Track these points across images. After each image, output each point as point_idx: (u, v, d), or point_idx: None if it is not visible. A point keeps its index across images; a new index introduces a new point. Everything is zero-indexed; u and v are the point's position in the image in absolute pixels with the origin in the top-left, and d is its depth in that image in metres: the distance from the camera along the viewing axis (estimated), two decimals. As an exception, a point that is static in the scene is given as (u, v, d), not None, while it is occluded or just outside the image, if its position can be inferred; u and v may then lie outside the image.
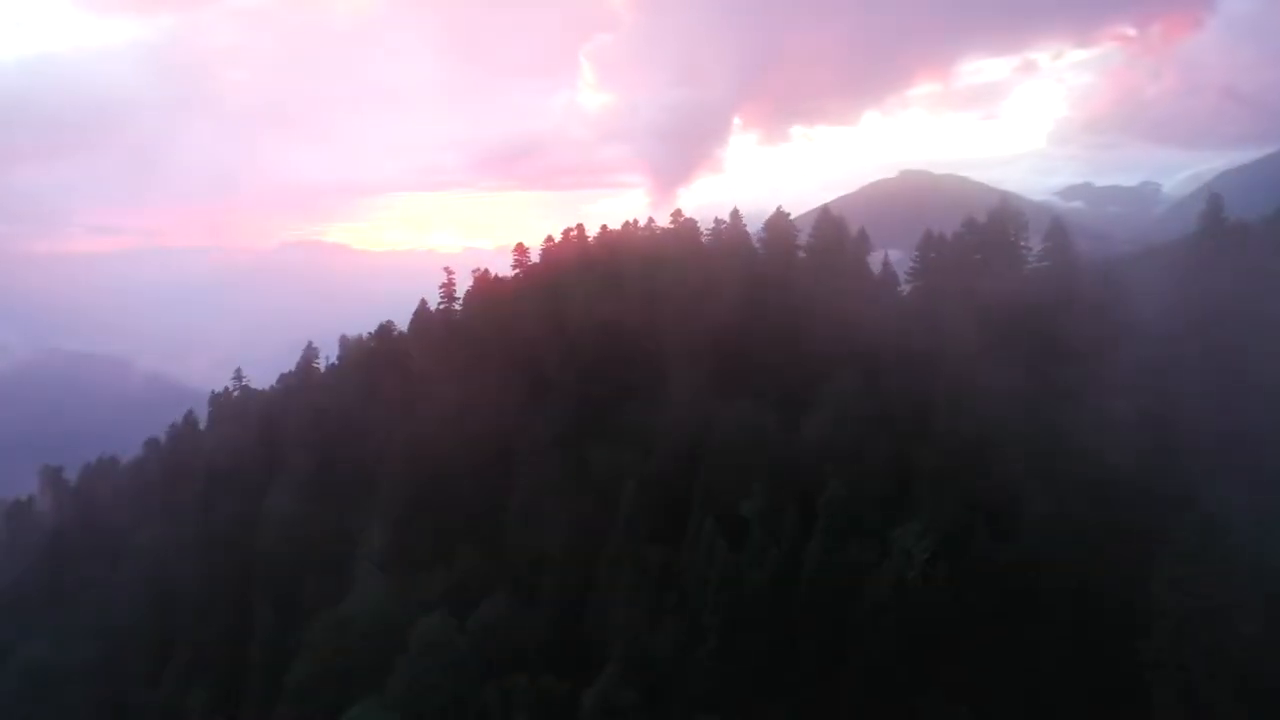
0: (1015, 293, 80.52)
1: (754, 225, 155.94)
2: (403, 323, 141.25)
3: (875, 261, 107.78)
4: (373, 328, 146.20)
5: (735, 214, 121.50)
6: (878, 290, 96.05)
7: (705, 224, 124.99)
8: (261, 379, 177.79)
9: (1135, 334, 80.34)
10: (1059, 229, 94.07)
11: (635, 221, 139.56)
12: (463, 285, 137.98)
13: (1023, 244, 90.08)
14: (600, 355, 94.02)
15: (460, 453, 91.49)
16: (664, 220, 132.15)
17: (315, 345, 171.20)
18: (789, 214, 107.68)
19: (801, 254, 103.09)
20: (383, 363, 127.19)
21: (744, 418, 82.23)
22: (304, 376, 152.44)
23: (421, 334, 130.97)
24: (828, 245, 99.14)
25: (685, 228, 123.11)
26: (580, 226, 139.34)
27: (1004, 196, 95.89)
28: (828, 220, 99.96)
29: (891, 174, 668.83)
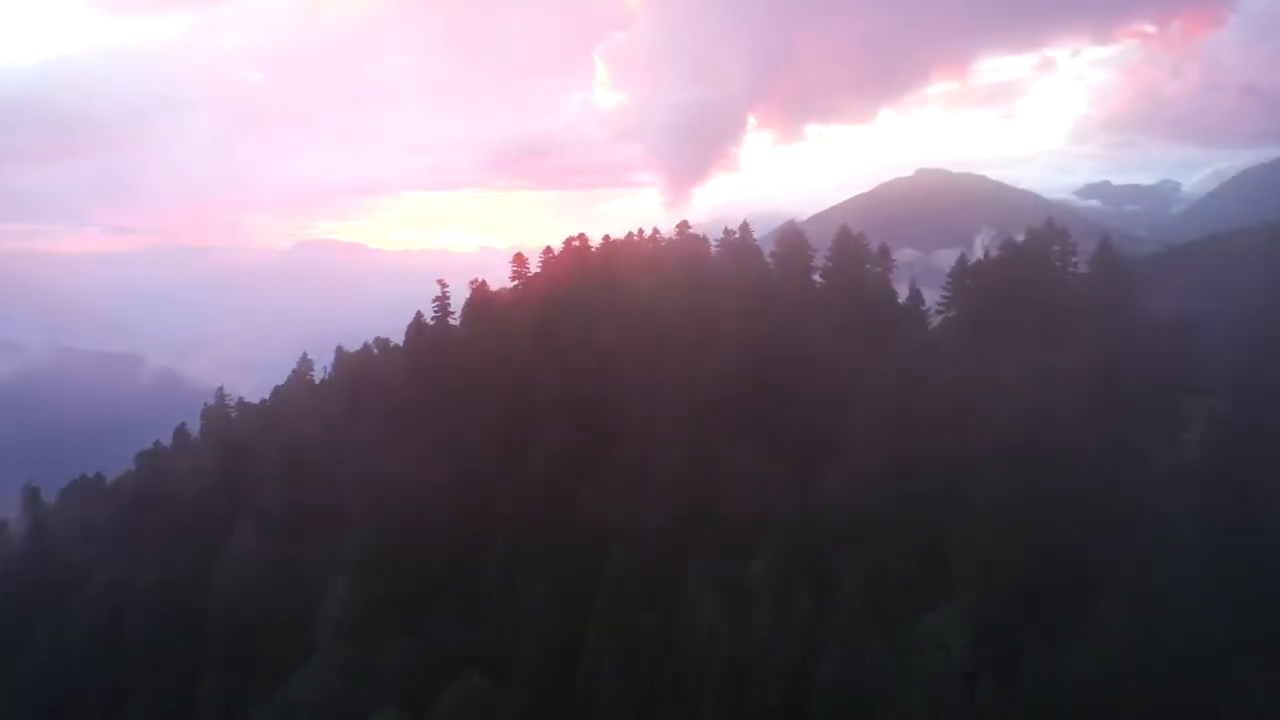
0: (1066, 329, 68.78)
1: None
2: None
3: (898, 279, 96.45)
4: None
5: (745, 227, 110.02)
6: (904, 320, 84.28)
7: (717, 226, 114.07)
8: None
9: (1209, 366, 68.94)
10: (1108, 249, 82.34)
11: (640, 231, 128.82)
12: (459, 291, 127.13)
13: (1070, 267, 78.25)
14: (594, 389, 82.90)
15: (437, 499, 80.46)
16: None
17: (310, 356, 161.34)
18: (803, 231, 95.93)
19: (818, 276, 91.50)
20: (369, 384, 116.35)
21: (752, 467, 71.13)
22: (288, 395, 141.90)
23: (412, 352, 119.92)
24: (847, 266, 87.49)
25: (690, 242, 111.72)
26: (582, 236, 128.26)
27: (1049, 218, 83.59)
28: (847, 238, 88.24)
29: (908, 173, 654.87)
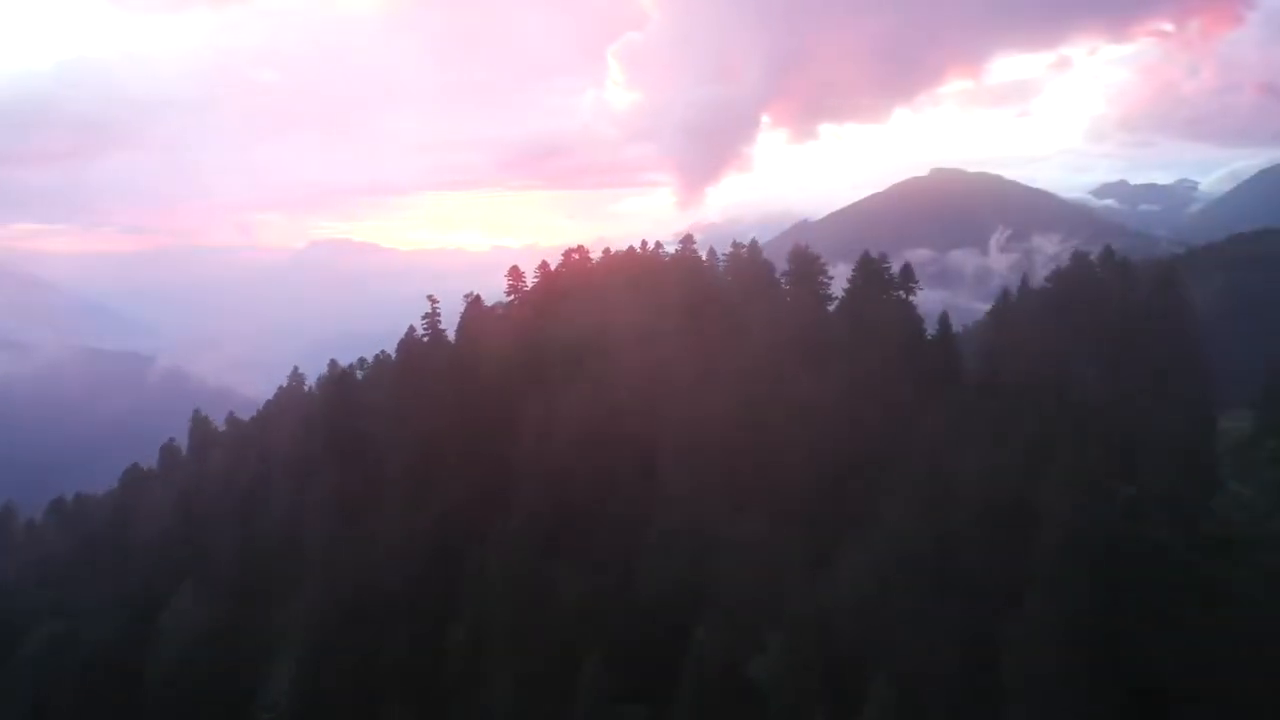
0: (1134, 383, 56.85)
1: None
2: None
3: (924, 302, 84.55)
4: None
5: (754, 245, 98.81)
6: (935, 357, 72.01)
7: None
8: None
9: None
10: (1169, 278, 70.30)
11: (644, 244, 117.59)
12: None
13: (1129, 300, 66.08)
14: (580, 441, 71.30)
15: (394, 569, 69.13)
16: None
17: (301, 370, 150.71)
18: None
19: (835, 306, 79.69)
20: (347, 414, 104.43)
21: (759, 542, 59.56)
22: (268, 418, 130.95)
23: (394, 381, 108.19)
24: (868, 295, 75.62)
25: (693, 261, 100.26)
26: (581, 249, 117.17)
27: (1107, 245, 71.40)
28: (869, 265, 76.21)
29: (922, 172, 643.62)
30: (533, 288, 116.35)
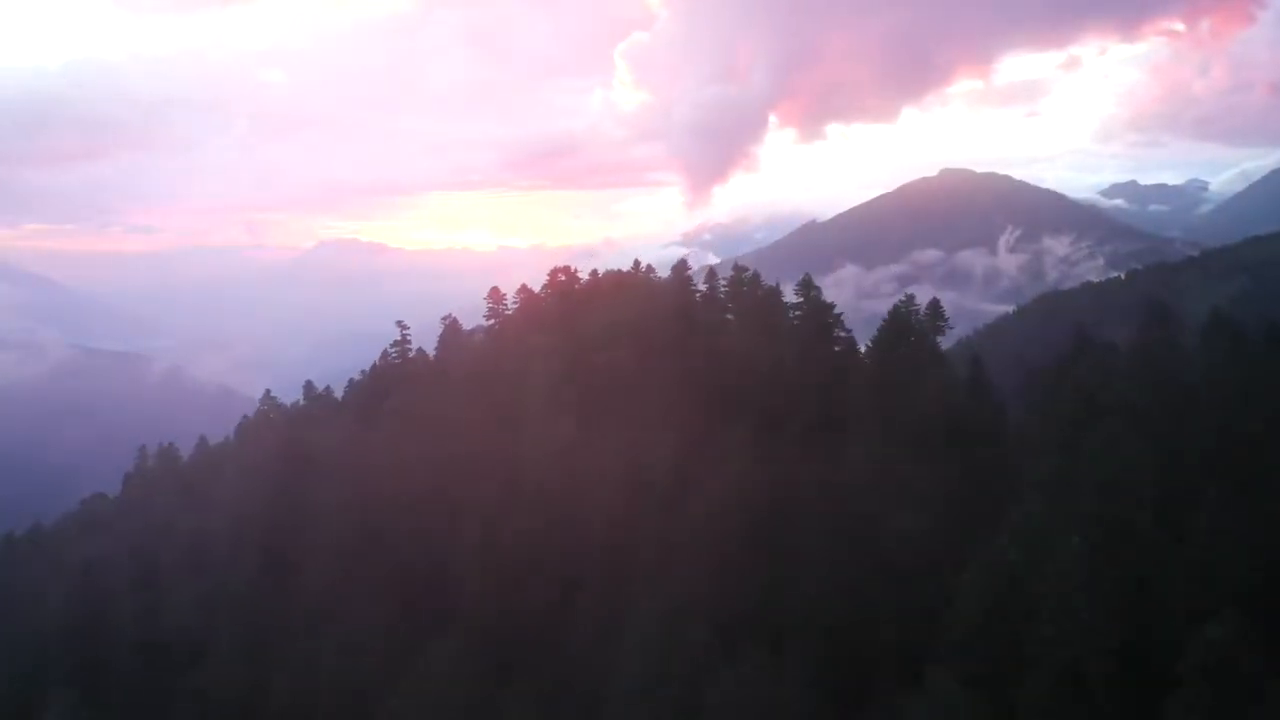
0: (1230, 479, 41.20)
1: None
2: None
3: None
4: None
5: (756, 279, 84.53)
6: (978, 420, 56.18)
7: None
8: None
9: None
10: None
11: (637, 265, 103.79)
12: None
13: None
14: (537, 534, 55.92)
15: (301, 700, 53.84)
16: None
17: (274, 394, 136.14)
18: (836, 306, 68.19)
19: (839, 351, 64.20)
20: (292, 469, 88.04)
21: (765, 693, 44.14)
22: (216, 461, 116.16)
23: (343, 437, 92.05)
24: (900, 353, 59.90)
25: (684, 294, 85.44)
26: (570, 271, 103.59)
27: (1209, 326, 55.36)
28: (897, 319, 60.21)
29: (931, 172, 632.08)
30: (511, 316, 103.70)
